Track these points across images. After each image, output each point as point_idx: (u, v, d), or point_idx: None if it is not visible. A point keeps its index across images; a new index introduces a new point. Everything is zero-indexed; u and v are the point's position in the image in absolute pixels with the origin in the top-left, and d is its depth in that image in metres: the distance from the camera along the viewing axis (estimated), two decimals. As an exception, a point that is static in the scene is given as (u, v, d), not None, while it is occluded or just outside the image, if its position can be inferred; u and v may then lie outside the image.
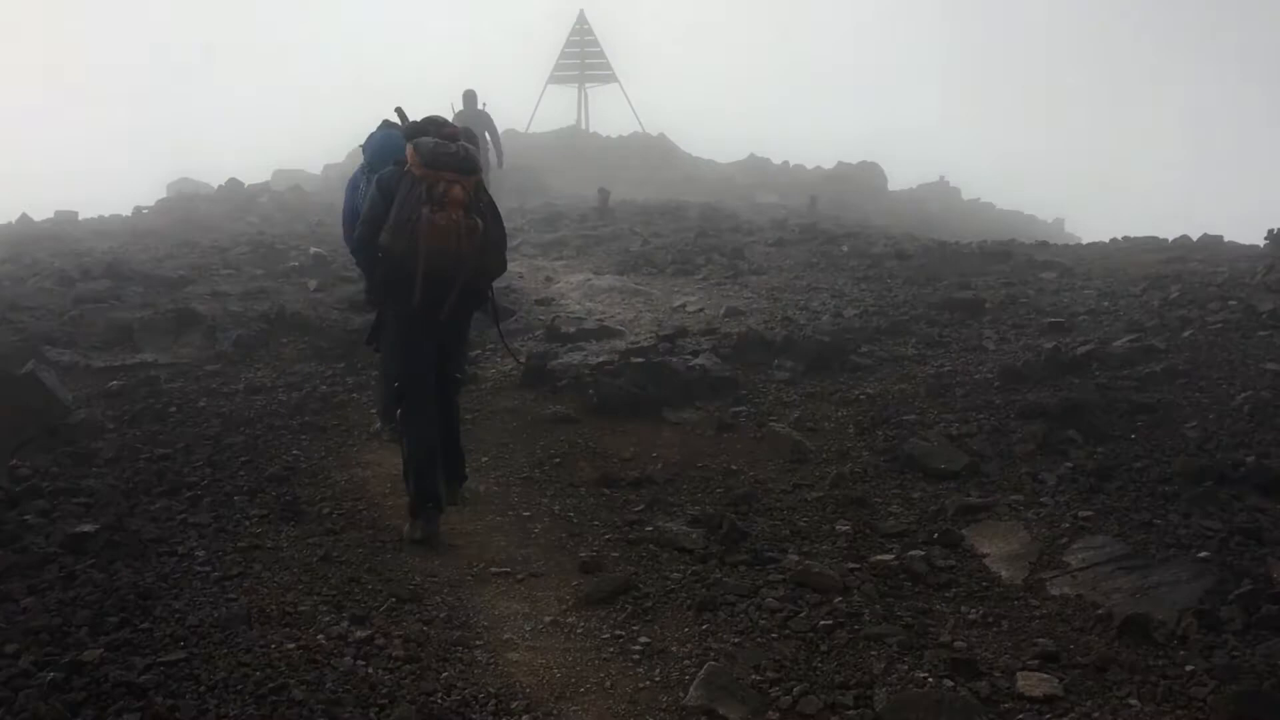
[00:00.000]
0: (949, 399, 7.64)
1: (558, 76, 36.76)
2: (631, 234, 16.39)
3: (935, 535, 5.56)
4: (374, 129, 6.84)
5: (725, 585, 5.01)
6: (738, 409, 7.79)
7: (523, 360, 8.51)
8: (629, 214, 18.93)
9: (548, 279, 12.60)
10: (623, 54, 37.22)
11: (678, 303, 10.99)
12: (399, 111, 6.29)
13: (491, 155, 16.86)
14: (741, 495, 6.24)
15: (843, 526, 5.74)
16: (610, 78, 36.41)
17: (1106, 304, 10.08)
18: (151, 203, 20.85)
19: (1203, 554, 5.01)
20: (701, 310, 10.61)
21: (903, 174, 34.34)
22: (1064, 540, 5.39)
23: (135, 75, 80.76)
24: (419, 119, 5.87)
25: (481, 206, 5.62)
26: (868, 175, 32.72)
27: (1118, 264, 12.74)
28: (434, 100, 18.67)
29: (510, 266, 13.78)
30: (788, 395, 8.07)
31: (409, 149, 5.61)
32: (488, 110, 17.78)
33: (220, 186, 22.20)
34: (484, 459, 7.00)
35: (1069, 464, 6.31)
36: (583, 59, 36.49)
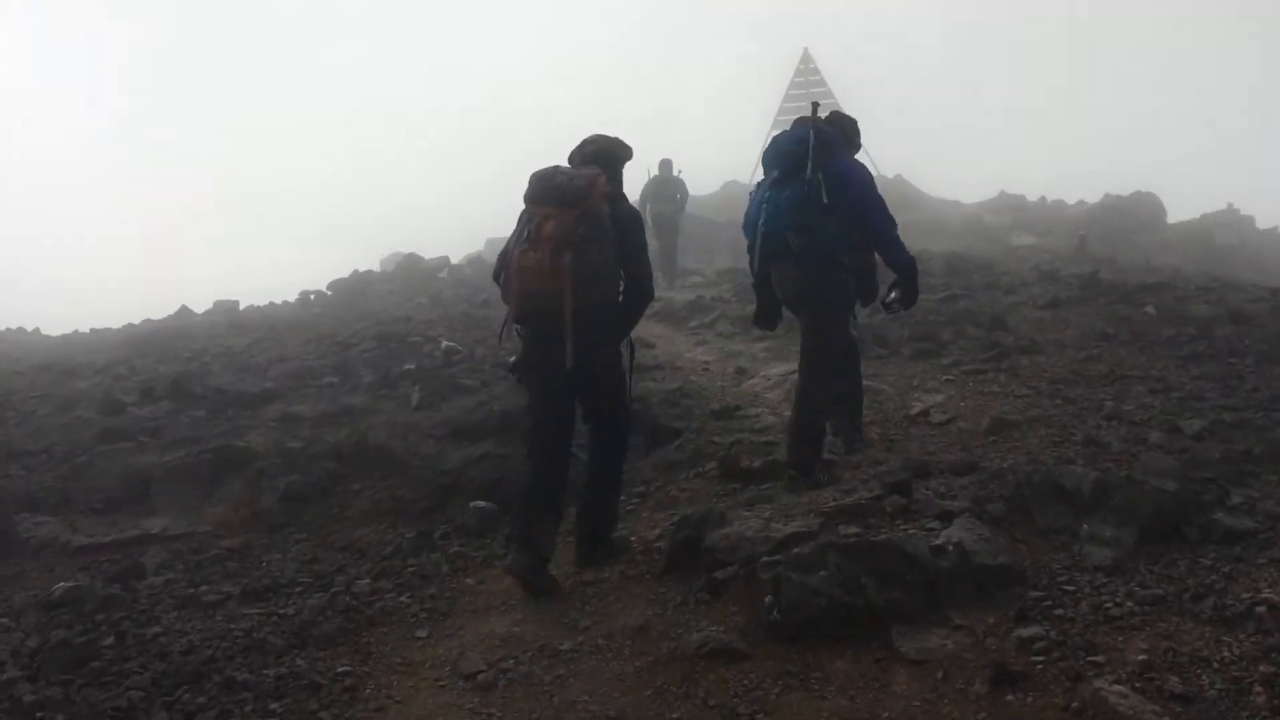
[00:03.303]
0: None
1: (782, 121, 33.60)
2: (857, 299, 13.00)
3: None
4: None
5: None
6: (1027, 632, 4.36)
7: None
8: (856, 272, 15.52)
9: (739, 371, 9.43)
10: (850, 93, 33.95)
11: (917, 407, 7.59)
12: (814, 106, 6.33)
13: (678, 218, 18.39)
14: None
15: None
16: (839, 118, 32.98)
17: None
18: (324, 286, 18.95)
19: None
20: (951, 421, 7.17)
21: (1178, 204, 29.40)
22: None
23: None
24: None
25: (582, 237, 5.19)
26: (1143, 208, 28.01)
27: None
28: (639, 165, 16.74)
29: (695, 353, 10.72)
30: (1117, 600, 4.56)
31: None
32: (683, 178, 18.60)
33: (398, 263, 20.14)
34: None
35: None
36: (809, 101, 33.29)
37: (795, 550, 4.96)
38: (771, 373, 9.16)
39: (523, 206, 5.41)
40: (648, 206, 17.66)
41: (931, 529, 5.09)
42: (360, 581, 5.53)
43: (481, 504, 6.36)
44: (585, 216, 5.21)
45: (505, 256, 5.38)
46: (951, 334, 9.97)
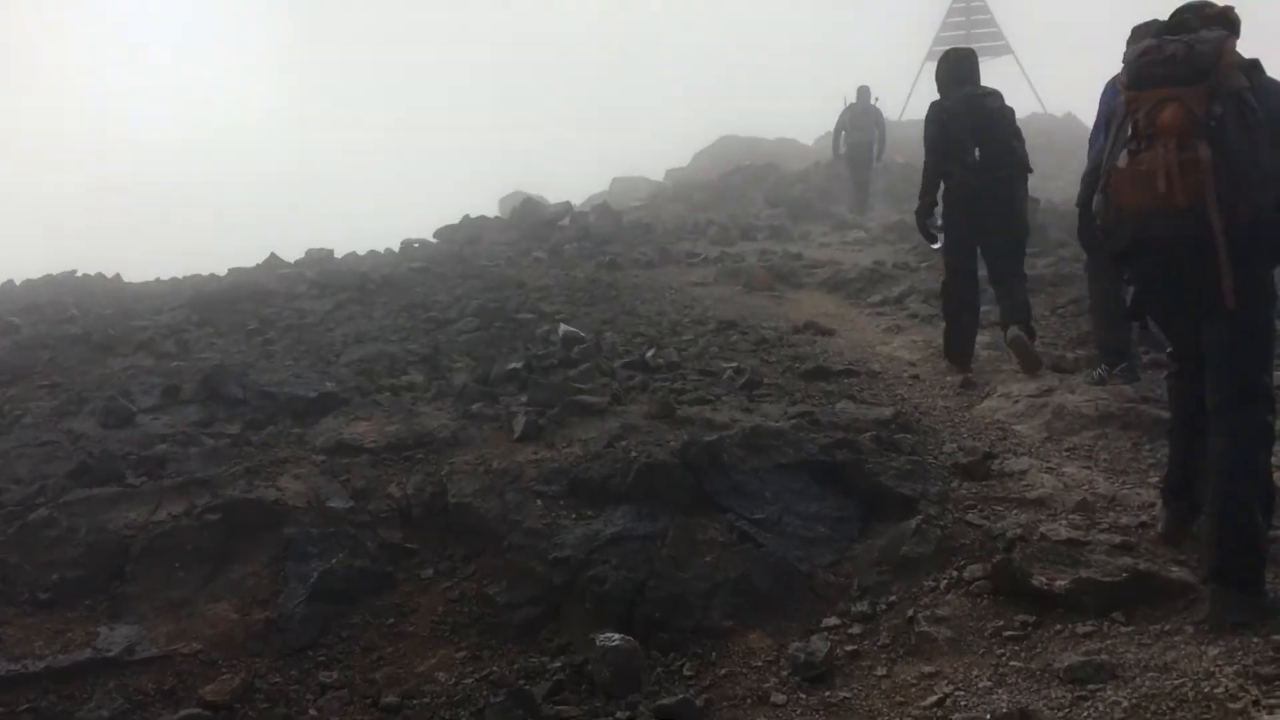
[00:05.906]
0: None
1: (938, 52, 30.26)
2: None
3: None
4: None
5: None
6: None
7: None
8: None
9: (965, 384, 6.82)
10: (1018, 21, 30.46)
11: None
12: None
13: (874, 149, 17.45)
14: None
15: None
16: (1003, 49, 29.49)
17: None
18: (433, 233, 16.66)
19: None
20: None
21: None
22: None
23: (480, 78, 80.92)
24: None
25: (1220, 122, 3.61)
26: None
27: None
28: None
29: (891, 346, 8.12)
30: None
31: None
32: (879, 106, 17.73)
33: (514, 209, 17.71)
34: None
35: None
36: (969, 29, 29.88)
37: None
38: (1014, 389, 6.51)
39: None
40: (842, 135, 17.60)
41: None
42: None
43: (615, 639, 3.92)
44: (1220, 93, 3.70)
45: (1095, 173, 4.15)
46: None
